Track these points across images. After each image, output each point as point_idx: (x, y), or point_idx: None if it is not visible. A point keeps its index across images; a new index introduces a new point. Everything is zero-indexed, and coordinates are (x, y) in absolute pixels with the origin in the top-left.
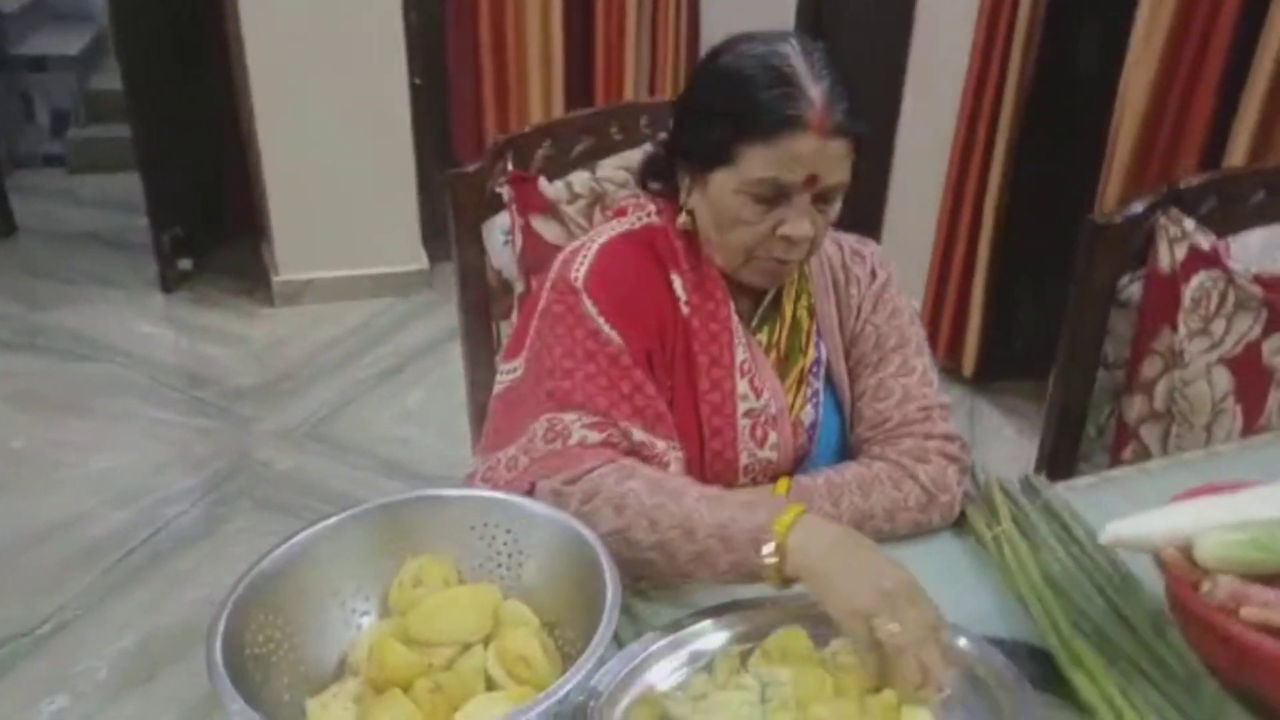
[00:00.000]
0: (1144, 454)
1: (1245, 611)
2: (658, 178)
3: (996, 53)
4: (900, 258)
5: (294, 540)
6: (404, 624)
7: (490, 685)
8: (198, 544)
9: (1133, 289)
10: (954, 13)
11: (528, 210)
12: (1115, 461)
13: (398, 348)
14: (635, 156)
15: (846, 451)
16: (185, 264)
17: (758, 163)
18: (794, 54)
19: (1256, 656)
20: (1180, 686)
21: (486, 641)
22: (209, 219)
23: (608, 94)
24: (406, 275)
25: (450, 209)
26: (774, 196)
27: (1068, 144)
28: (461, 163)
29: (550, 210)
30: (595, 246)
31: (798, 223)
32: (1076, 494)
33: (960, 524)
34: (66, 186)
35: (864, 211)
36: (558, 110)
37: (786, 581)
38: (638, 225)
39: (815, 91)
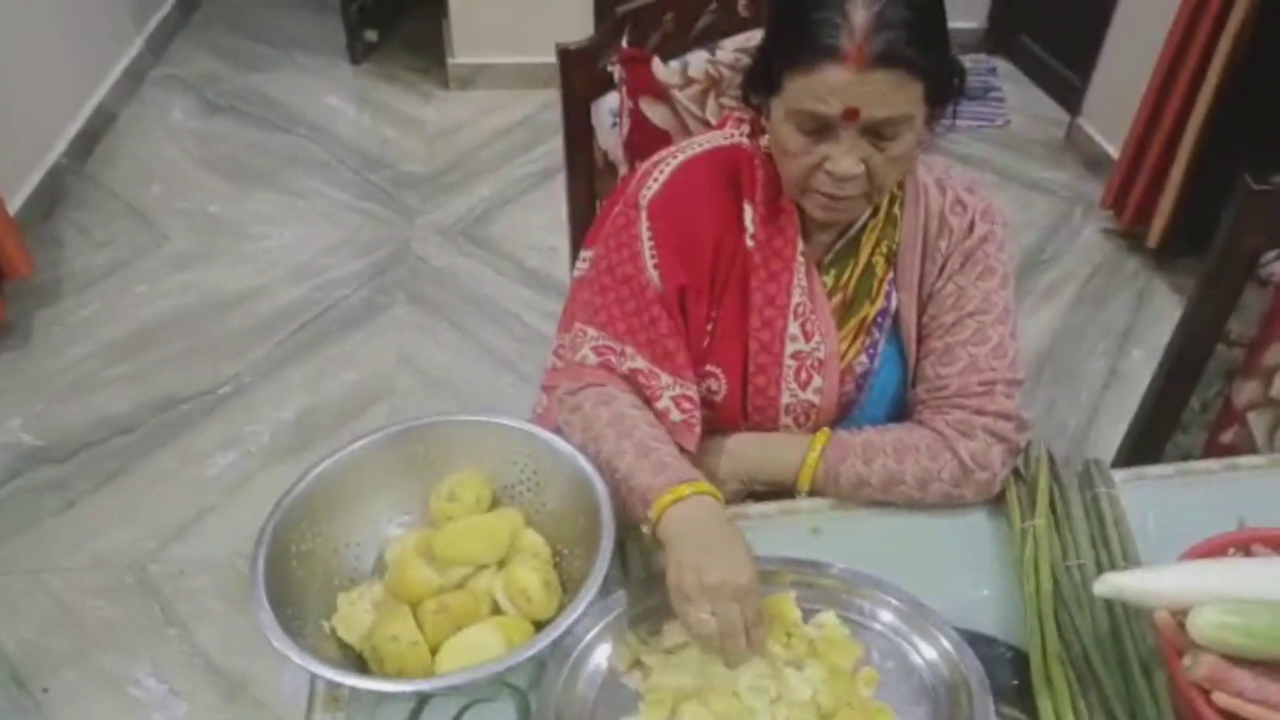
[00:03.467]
0: (1247, 441)
1: (1217, 696)
2: (757, 91)
3: None
4: (1108, 99)
5: (346, 450)
6: (429, 539)
7: (496, 608)
8: (356, 329)
9: (1276, 267)
10: None
11: (638, 93)
12: (1212, 442)
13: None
14: (759, 38)
15: (904, 405)
16: (371, 35)
17: (795, 94)
18: None
19: None
20: None
21: (501, 564)
22: None
23: None
24: None
25: (560, 86)
26: (816, 129)
27: None
28: None
29: (662, 94)
30: (674, 164)
31: (840, 159)
32: (1144, 486)
33: (1000, 503)
34: None
35: (1081, 35)
36: None
37: (659, 542)
38: (726, 143)
39: (858, 17)
